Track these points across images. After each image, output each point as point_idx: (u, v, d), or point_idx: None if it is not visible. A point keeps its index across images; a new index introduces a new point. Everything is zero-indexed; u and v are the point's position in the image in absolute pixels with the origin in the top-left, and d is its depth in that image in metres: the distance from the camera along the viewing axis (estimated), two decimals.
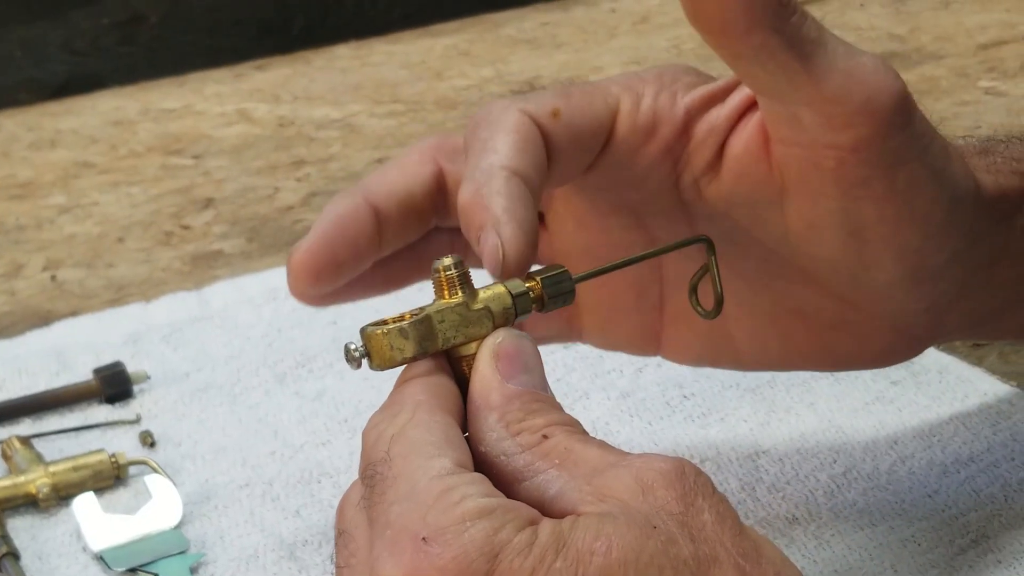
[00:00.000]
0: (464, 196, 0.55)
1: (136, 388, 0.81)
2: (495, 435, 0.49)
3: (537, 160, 0.57)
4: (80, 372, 0.82)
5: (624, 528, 0.45)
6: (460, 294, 0.52)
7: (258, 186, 1.07)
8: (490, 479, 0.48)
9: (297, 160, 1.10)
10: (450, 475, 0.47)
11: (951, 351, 0.82)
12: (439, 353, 0.52)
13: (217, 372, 0.83)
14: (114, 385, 0.80)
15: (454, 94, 1.21)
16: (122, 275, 0.96)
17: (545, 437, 0.49)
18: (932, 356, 0.81)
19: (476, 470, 0.48)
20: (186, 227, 1.01)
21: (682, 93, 0.60)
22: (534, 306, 0.53)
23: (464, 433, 0.50)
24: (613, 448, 0.49)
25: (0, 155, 1.14)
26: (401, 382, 0.51)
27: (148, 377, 0.82)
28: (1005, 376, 0.79)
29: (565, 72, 1.23)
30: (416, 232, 0.64)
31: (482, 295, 0.52)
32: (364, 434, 0.50)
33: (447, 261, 0.52)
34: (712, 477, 0.72)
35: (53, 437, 0.78)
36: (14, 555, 0.69)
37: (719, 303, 0.56)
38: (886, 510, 0.70)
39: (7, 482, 0.73)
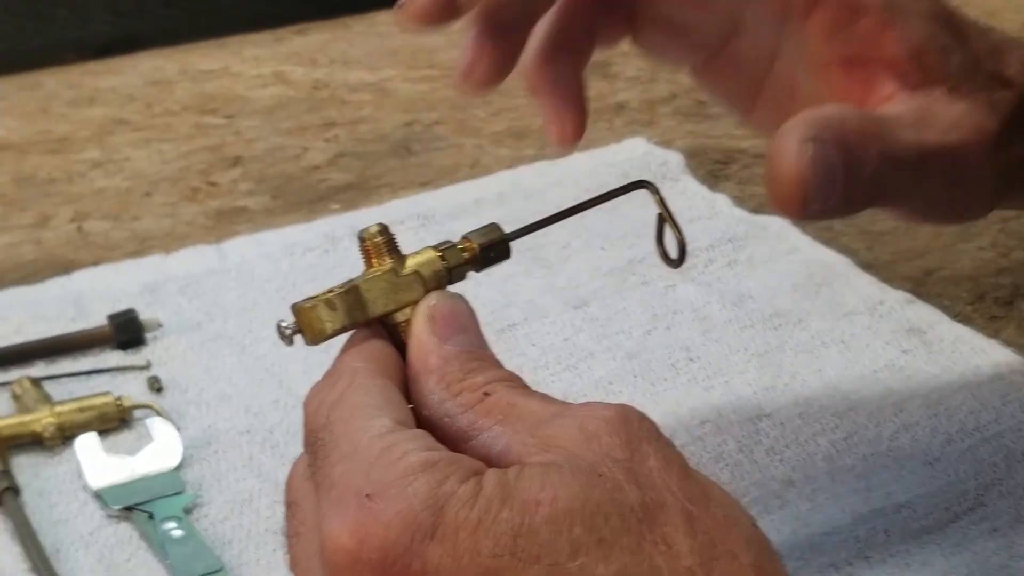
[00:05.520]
0: None
1: (148, 336, 0.82)
2: (436, 397, 0.49)
3: None
4: (96, 319, 0.83)
5: (569, 477, 0.45)
6: (388, 261, 0.51)
7: (287, 146, 1.07)
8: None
9: (328, 122, 1.11)
10: (390, 432, 0.46)
11: (967, 322, 0.82)
12: (375, 321, 0.51)
13: (229, 323, 0.84)
14: (126, 331, 0.81)
15: None
16: (146, 228, 0.96)
17: (486, 394, 0.49)
18: (946, 326, 0.81)
19: None
20: (213, 183, 1.02)
21: None
22: (468, 265, 0.53)
23: (408, 400, 0.50)
24: (555, 400, 0.49)
25: (39, 111, 1.15)
26: (341, 352, 0.51)
27: (160, 325, 0.82)
28: (1021, 348, 0.79)
29: None
30: None
31: (411, 261, 0.51)
32: (305, 405, 0.49)
33: (372, 229, 0.51)
34: (710, 439, 0.73)
35: (64, 380, 0.79)
36: (14, 490, 0.69)
37: (682, 248, 0.56)
38: (884, 476, 0.70)
39: (14, 420, 0.73)
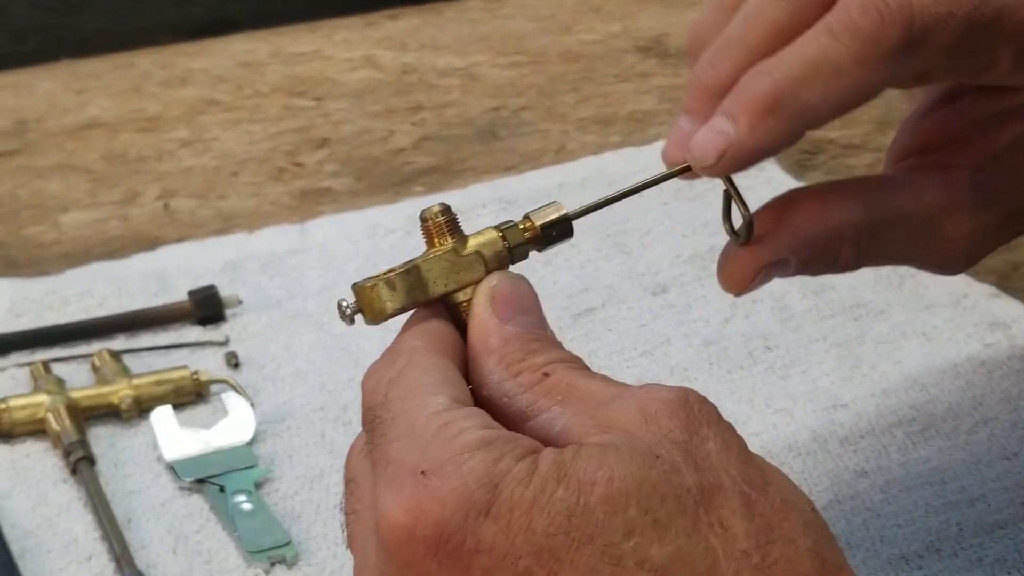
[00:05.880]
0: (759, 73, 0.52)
1: (229, 312, 0.83)
2: (496, 377, 0.49)
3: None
4: (178, 294, 0.84)
5: (627, 458, 0.44)
6: (449, 241, 0.51)
7: (374, 128, 1.08)
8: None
9: (415, 105, 1.11)
10: (447, 410, 0.46)
11: None
12: (436, 301, 0.51)
13: (309, 301, 0.84)
14: (206, 307, 0.82)
15: (579, 48, 1.20)
16: (232, 207, 0.97)
17: (546, 375, 0.48)
18: None
19: None
20: (299, 164, 1.03)
21: None
22: (530, 245, 0.52)
23: (467, 380, 0.49)
24: (616, 381, 0.48)
25: (132, 91, 1.16)
26: (401, 331, 0.51)
27: (240, 302, 0.83)
28: None
29: None
30: None
31: (473, 241, 0.51)
32: (363, 383, 0.49)
33: (435, 209, 0.51)
34: (784, 428, 0.72)
35: (144, 353, 0.80)
36: (90, 460, 0.70)
37: (749, 224, 0.55)
38: (960, 469, 0.69)
39: (92, 392, 0.75)
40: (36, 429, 0.73)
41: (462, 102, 1.12)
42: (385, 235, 0.91)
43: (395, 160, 1.03)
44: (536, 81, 1.14)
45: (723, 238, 0.87)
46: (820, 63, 0.51)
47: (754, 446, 0.70)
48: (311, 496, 0.69)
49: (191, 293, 0.83)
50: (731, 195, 0.55)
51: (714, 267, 0.85)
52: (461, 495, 0.44)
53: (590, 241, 0.89)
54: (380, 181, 1.00)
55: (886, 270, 0.84)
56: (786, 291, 0.83)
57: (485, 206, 0.93)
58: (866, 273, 0.84)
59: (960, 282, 0.82)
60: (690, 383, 0.75)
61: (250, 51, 1.23)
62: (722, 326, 0.80)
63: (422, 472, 0.45)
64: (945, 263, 0.58)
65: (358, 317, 0.52)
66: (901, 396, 0.74)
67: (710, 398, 0.75)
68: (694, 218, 0.90)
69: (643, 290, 0.84)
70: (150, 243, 0.92)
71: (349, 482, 0.50)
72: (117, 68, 1.20)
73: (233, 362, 0.78)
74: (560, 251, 0.89)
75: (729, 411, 0.73)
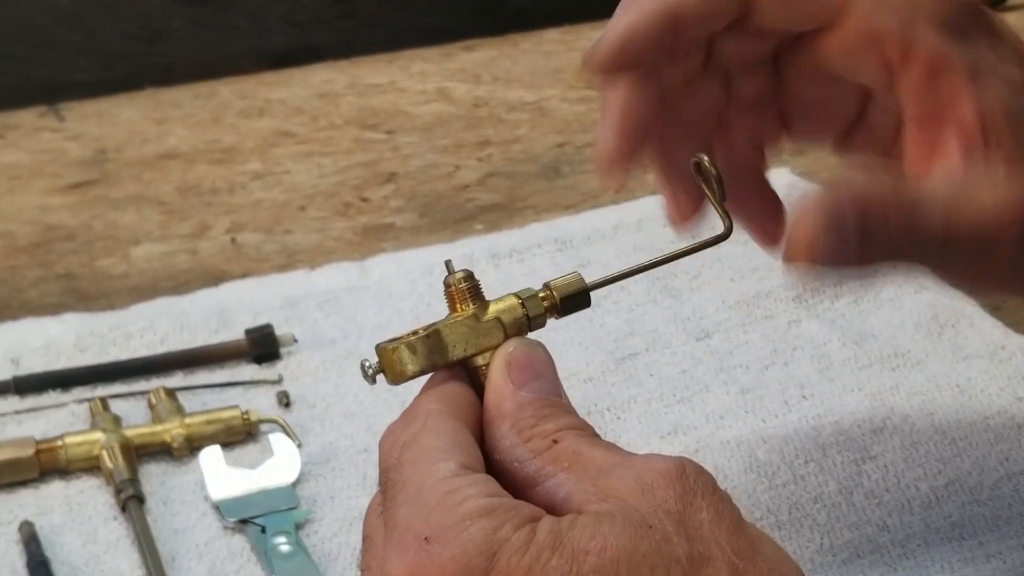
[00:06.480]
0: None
1: (284, 351, 0.85)
2: (508, 442, 0.51)
3: None
4: (237, 331, 0.87)
5: (620, 527, 0.47)
6: (471, 306, 0.53)
7: (441, 163, 1.10)
8: (505, 486, 0.50)
9: (483, 140, 1.14)
10: (455, 477, 0.49)
11: None
12: (456, 364, 0.53)
13: (362, 340, 0.87)
14: (262, 346, 0.85)
15: None
16: (296, 242, 1.00)
17: (555, 442, 0.51)
18: None
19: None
20: (365, 199, 1.06)
21: None
22: (548, 314, 0.55)
23: (481, 442, 0.52)
24: (620, 449, 0.51)
25: (211, 120, 1.20)
26: (420, 393, 0.54)
27: (295, 341, 0.86)
28: None
29: None
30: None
31: (493, 307, 0.54)
32: (380, 443, 0.53)
33: (458, 275, 0.54)
34: (812, 479, 0.74)
35: (200, 391, 0.83)
36: (139, 498, 0.73)
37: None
38: (980, 525, 0.70)
39: (146, 430, 0.78)
40: (91, 466, 0.76)
41: (529, 137, 1.14)
42: (441, 274, 0.93)
43: (459, 197, 1.06)
44: None
45: (770, 283, 0.90)
46: None
47: (780, 498, 0.73)
48: (349, 539, 0.71)
49: (248, 332, 0.86)
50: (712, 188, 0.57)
51: (759, 312, 0.88)
52: (460, 562, 0.47)
53: (640, 284, 0.90)
54: (442, 218, 1.03)
55: (926, 317, 0.85)
56: (827, 339, 0.84)
57: (541, 246, 0.95)
58: (907, 322, 0.85)
59: (999, 333, 0.83)
60: (724, 431, 0.78)
61: (328, 81, 1.27)
62: (761, 373, 0.82)
63: (425, 538, 0.48)
64: (1000, 251, 0.58)
65: (380, 377, 0.55)
66: (929, 449, 0.75)
67: (743, 447, 0.77)
68: (744, 262, 0.92)
69: (687, 335, 0.86)
70: (215, 277, 0.95)
71: (366, 539, 0.53)
72: (199, 97, 1.24)
73: (284, 401, 0.81)
74: (610, 294, 0.91)
75: (760, 461, 0.76)
